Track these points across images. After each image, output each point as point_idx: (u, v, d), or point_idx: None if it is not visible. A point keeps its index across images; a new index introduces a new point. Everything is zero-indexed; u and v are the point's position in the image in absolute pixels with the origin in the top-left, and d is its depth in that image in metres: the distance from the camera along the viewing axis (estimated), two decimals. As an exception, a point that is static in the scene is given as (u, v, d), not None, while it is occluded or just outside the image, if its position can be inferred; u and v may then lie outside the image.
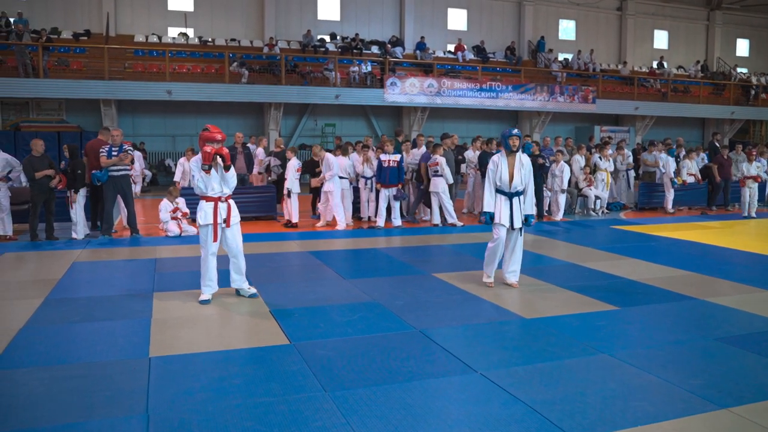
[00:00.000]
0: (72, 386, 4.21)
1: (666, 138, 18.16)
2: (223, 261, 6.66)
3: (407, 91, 22.10)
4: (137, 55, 21.54)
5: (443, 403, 3.99)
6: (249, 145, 15.03)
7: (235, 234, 6.55)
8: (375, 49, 24.77)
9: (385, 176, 11.60)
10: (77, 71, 20.20)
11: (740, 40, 33.30)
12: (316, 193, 13.13)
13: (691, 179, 15.82)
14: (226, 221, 6.46)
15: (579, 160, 14.35)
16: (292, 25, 24.71)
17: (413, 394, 4.07)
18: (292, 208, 11.92)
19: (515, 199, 6.83)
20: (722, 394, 4.08)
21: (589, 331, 5.49)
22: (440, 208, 12.01)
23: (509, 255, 7.03)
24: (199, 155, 6.35)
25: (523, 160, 6.82)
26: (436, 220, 12.03)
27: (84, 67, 20.35)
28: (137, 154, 14.34)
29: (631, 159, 15.74)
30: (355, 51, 23.96)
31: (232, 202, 6.57)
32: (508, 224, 6.82)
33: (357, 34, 24.64)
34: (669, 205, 14.85)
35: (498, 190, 6.88)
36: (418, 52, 25.01)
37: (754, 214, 14.12)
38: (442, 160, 11.71)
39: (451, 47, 26.47)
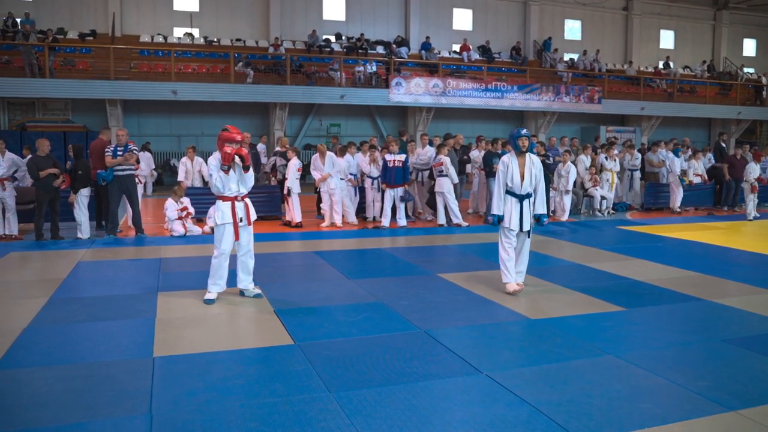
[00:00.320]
0: (76, 386, 4.20)
1: (672, 138, 18.08)
2: (232, 261, 6.63)
3: (412, 91, 22.07)
4: (143, 55, 21.57)
5: (448, 404, 3.96)
6: (259, 145, 15.13)
7: (249, 233, 6.58)
8: (380, 49, 24.75)
9: (391, 176, 11.57)
10: (83, 71, 20.26)
11: (747, 40, 33.14)
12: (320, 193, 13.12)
13: (697, 179, 15.76)
14: (246, 220, 6.46)
15: (584, 160, 14.30)
16: (298, 25, 24.71)
17: (418, 395, 4.04)
18: (293, 208, 11.91)
19: (525, 202, 6.66)
20: (730, 396, 4.04)
21: (595, 332, 5.45)
22: (445, 208, 11.98)
23: (516, 256, 6.95)
24: (218, 154, 6.35)
25: (533, 160, 6.73)
26: (441, 220, 12.00)
27: (90, 67, 20.40)
28: (146, 155, 14.38)
29: (640, 159, 15.66)
30: (360, 51, 23.95)
31: (248, 201, 6.58)
32: (517, 228, 6.67)
33: (362, 34, 24.63)
34: (676, 205, 14.78)
35: (509, 192, 6.70)
36: (423, 52, 24.98)
37: (757, 215, 13.92)
38: (446, 160, 11.68)
39: (456, 47, 26.44)
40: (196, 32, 23.54)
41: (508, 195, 6.71)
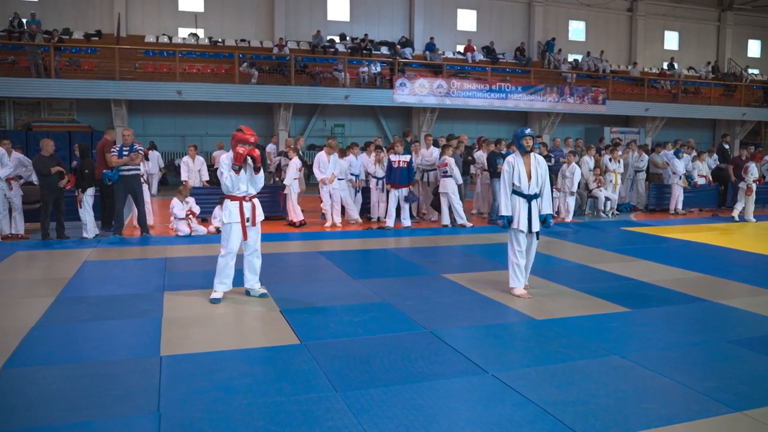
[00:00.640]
0: (84, 384, 4.22)
1: (676, 139, 18.07)
2: (238, 261, 6.65)
3: (416, 91, 22.08)
4: (148, 56, 21.63)
5: (455, 403, 3.97)
6: (269, 145, 15.22)
7: (256, 233, 6.60)
8: (384, 50, 24.77)
9: (395, 177, 11.58)
10: (88, 71, 20.31)
11: (752, 41, 33.08)
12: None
13: (702, 181, 15.75)
14: (252, 220, 6.49)
15: (588, 161, 14.30)
16: (302, 25, 24.75)
17: (425, 395, 4.05)
18: (293, 207, 11.96)
19: (533, 203, 6.61)
20: (737, 397, 4.05)
21: (600, 332, 5.46)
22: (449, 208, 11.99)
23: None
24: (230, 154, 6.38)
25: (539, 160, 6.70)
26: (446, 220, 12.01)
27: (95, 68, 20.46)
28: (155, 155, 14.44)
29: (646, 160, 15.66)
30: (364, 52, 23.97)
31: (256, 201, 6.60)
32: (526, 229, 6.61)
33: (366, 35, 24.64)
34: (674, 205, 14.77)
35: (516, 192, 6.64)
36: (427, 52, 24.99)
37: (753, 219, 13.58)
38: (451, 161, 11.69)
39: (460, 48, 26.44)
40: (200, 33, 23.60)
41: (515, 195, 6.64)
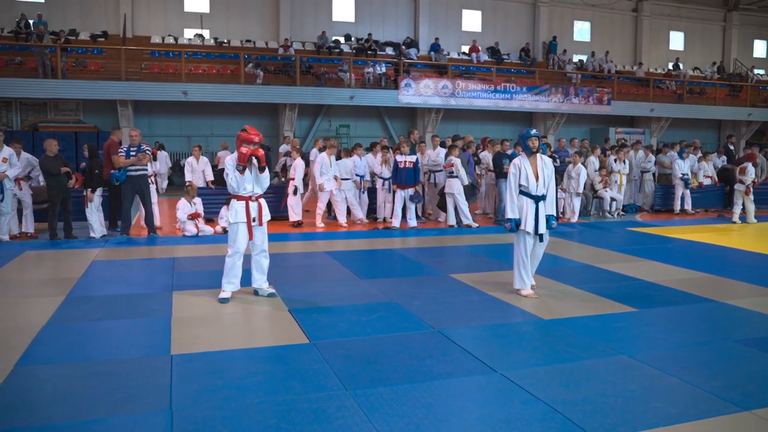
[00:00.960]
0: (96, 383, 4.26)
1: (681, 140, 18.06)
2: (245, 260, 6.68)
3: (421, 92, 22.11)
4: (154, 56, 21.70)
5: (464, 402, 4.01)
6: (282, 146, 15.32)
7: (263, 232, 6.63)
8: (389, 51, 24.80)
9: (401, 177, 11.62)
10: (94, 72, 20.40)
11: (758, 41, 33.00)
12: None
13: (707, 181, 15.74)
14: (258, 220, 6.52)
15: (594, 162, 14.31)
16: (307, 26, 24.80)
17: (434, 394, 4.08)
18: (294, 207, 12.00)
19: (540, 204, 6.60)
20: (744, 396, 4.06)
21: (607, 332, 5.48)
22: (455, 209, 12.02)
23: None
24: (236, 154, 6.42)
25: (545, 161, 6.71)
26: (452, 221, 12.04)
27: (101, 68, 20.55)
28: (163, 154, 14.51)
29: (653, 160, 15.67)
30: (369, 52, 24.01)
31: (262, 201, 6.63)
32: (532, 231, 6.60)
33: (370, 34, 24.67)
34: (678, 206, 14.79)
35: (523, 193, 6.63)
36: (432, 53, 25.01)
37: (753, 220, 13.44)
38: (457, 162, 11.72)
39: (465, 48, 26.47)
40: (206, 33, 23.67)
41: (522, 196, 6.63)
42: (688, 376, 4.41)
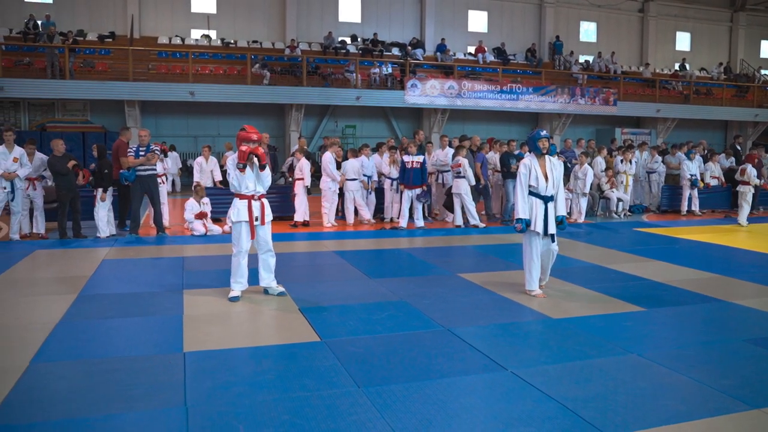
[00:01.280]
0: (111, 379, 4.31)
1: (688, 141, 18.05)
2: (252, 259, 6.73)
3: (428, 92, 22.15)
4: (161, 57, 21.80)
5: (475, 399, 4.04)
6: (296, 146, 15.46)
7: (266, 231, 6.66)
8: (395, 51, 24.85)
9: (409, 177, 11.65)
10: (102, 73, 20.51)
11: (764, 41, 32.92)
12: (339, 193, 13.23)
13: (714, 182, 15.73)
14: (261, 219, 6.56)
15: (600, 162, 14.33)
16: (314, 26, 24.88)
17: (445, 391, 4.12)
18: (300, 207, 12.05)
19: (550, 204, 6.61)
20: (755, 394, 4.09)
21: (616, 331, 5.50)
22: (462, 209, 12.05)
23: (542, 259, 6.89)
24: (237, 154, 6.47)
25: (554, 162, 6.73)
26: (459, 221, 12.07)
27: (109, 69, 20.65)
28: (174, 155, 14.61)
29: (660, 161, 15.66)
30: (375, 53, 24.06)
31: (265, 200, 6.67)
32: (542, 231, 6.61)
33: (375, 34, 24.72)
34: (685, 207, 14.78)
35: (533, 193, 6.63)
36: (438, 53, 25.04)
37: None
38: (465, 162, 11.75)
39: (471, 49, 26.48)
40: (213, 34, 23.78)
41: (531, 197, 6.64)
42: (698, 375, 4.43)
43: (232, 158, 6.56)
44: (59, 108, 21.09)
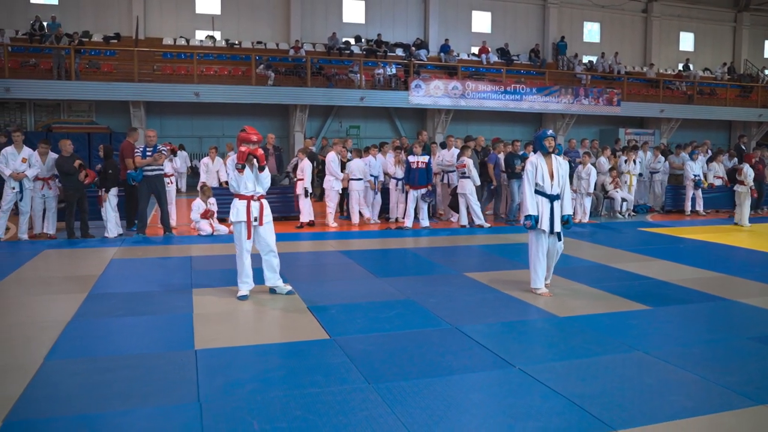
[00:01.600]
0: (123, 375, 4.37)
1: (692, 141, 18.07)
2: (258, 259, 6.79)
3: (431, 93, 22.20)
4: (166, 58, 21.88)
5: (484, 395, 4.10)
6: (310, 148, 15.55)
7: (267, 232, 6.70)
8: (399, 52, 24.92)
9: (414, 177, 11.71)
10: (107, 74, 20.60)
11: (768, 41, 32.96)
12: (344, 193, 13.31)
13: (718, 182, 15.76)
14: (259, 219, 6.61)
15: (604, 162, 14.37)
16: (318, 27, 24.95)
17: (454, 387, 4.18)
18: (306, 208, 12.13)
19: (555, 203, 6.69)
20: (759, 391, 4.14)
21: (622, 329, 5.55)
22: (467, 209, 12.10)
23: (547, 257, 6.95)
24: (236, 155, 6.54)
25: (560, 161, 6.80)
26: (464, 221, 12.12)
27: (114, 70, 20.75)
28: (183, 154, 14.73)
29: (663, 161, 15.70)
30: (379, 53, 24.12)
31: (264, 201, 6.73)
32: (548, 229, 6.68)
33: (379, 35, 24.79)
34: (689, 207, 14.82)
35: (538, 192, 6.70)
36: (442, 54, 25.11)
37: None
38: (469, 162, 11.81)
39: (475, 50, 26.55)
40: (217, 35, 23.85)
41: (538, 195, 6.71)
42: (703, 372, 4.49)
43: (231, 159, 6.64)
44: (65, 109, 21.20)
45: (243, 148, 6.47)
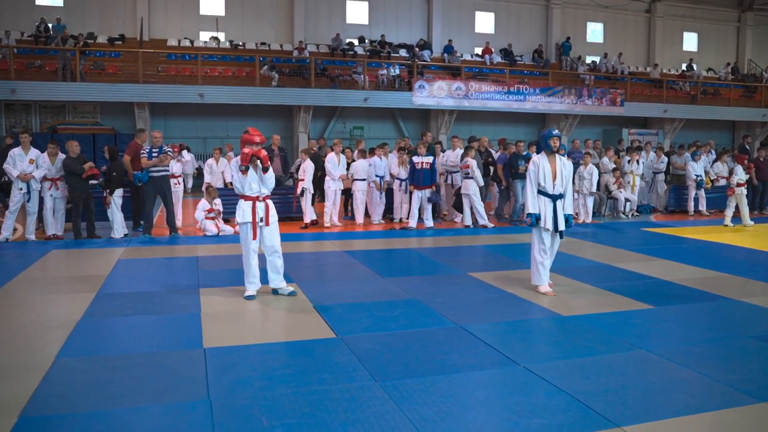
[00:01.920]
0: (134, 373, 4.45)
1: (695, 141, 18.09)
2: (264, 259, 6.84)
3: (435, 94, 22.26)
4: (170, 59, 21.96)
5: (489, 392, 4.17)
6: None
7: (272, 233, 6.75)
8: (403, 53, 24.97)
9: (418, 178, 11.78)
10: (112, 75, 20.70)
11: (772, 41, 32.91)
12: (347, 194, 13.38)
13: (723, 182, 15.77)
14: (265, 220, 6.68)
15: (607, 163, 14.41)
16: (321, 28, 25.03)
17: (460, 385, 4.25)
18: (306, 208, 12.19)
19: (558, 203, 6.75)
20: (761, 389, 4.19)
21: (625, 328, 5.61)
22: (471, 209, 12.16)
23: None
24: (240, 156, 6.62)
25: (564, 161, 6.86)
26: (468, 221, 12.18)
27: (119, 71, 20.84)
28: (190, 156, 14.82)
29: (665, 161, 15.73)
30: (383, 54, 24.19)
31: (270, 201, 6.79)
32: (551, 228, 6.75)
33: (383, 36, 24.84)
34: (692, 207, 14.86)
35: (541, 192, 6.78)
36: (445, 55, 25.15)
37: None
38: (473, 163, 11.87)
39: (478, 50, 26.58)
40: (221, 36, 23.95)
41: (540, 195, 6.78)
42: (706, 370, 4.54)
43: (235, 160, 6.72)
44: (70, 110, 21.29)
45: (246, 150, 6.54)
